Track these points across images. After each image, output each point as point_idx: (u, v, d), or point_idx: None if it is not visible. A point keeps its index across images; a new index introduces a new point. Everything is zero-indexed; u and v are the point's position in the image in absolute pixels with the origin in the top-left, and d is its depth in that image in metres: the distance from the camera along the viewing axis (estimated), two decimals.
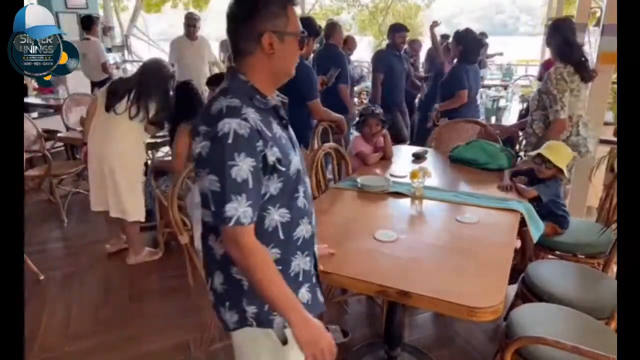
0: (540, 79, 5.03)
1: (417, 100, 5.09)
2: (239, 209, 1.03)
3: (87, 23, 5.48)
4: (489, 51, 7.57)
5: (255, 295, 1.13)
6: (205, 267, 1.28)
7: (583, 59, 2.70)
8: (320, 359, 1.12)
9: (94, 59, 5.37)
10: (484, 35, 7.84)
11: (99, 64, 5.41)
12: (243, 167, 1.03)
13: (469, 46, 3.79)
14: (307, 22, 3.00)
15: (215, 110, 1.06)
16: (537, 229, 2.19)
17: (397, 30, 4.57)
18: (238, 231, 1.05)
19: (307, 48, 3.00)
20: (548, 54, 4.54)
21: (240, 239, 1.06)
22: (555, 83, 2.67)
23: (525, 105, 4.43)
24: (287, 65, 1.18)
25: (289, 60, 1.17)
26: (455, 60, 3.96)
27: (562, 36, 2.70)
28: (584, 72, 2.68)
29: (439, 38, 5.13)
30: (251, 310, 1.17)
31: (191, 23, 5.06)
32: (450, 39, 4.17)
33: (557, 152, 2.34)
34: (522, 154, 2.92)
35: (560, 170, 2.33)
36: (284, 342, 1.19)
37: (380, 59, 4.66)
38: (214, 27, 10.25)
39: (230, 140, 1.02)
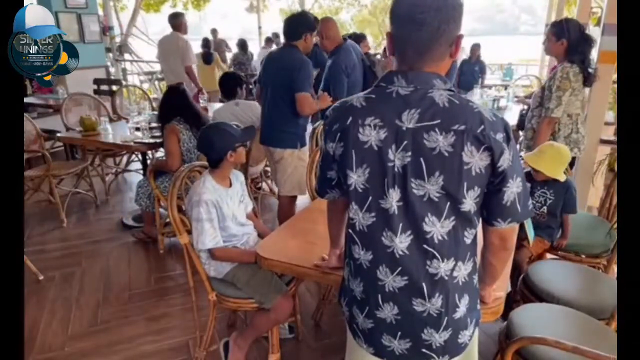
0: None
1: None
2: None
3: None
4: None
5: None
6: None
7: (589, 63, 2.68)
8: None
9: None
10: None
11: None
12: None
13: None
14: (302, 18, 2.98)
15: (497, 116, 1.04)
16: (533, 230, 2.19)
17: None
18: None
19: (305, 44, 2.94)
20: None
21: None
22: (559, 81, 2.65)
23: (524, 106, 4.43)
24: None
25: None
26: None
27: (577, 35, 2.65)
28: (587, 76, 2.68)
29: None
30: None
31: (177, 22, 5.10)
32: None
33: (541, 157, 2.20)
34: (522, 153, 2.92)
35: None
36: None
37: None
38: (213, 27, 10.22)
39: None
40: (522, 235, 2.18)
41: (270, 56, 3.14)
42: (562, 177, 2.20)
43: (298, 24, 2.92)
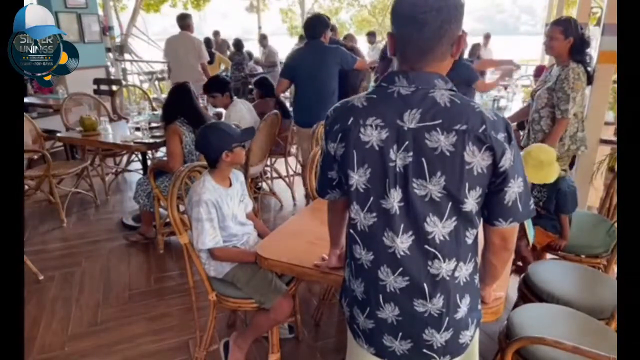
0: (536, 75, 5.10)
1: None
2: None
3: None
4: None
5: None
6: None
7: (591, 62, 2.73)
8: None
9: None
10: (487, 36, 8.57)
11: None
12: None
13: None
14: (320, 19, 3.54)
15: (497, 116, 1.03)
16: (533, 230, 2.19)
17: None
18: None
19: (325, 39, 3.50)
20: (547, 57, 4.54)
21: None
22: (572, 82, 2.66)
23: (525, 104, 4.42)
24: None
25: None
26: None
27: (580, 35, 2.67)
28: (590, 75, 2.72)
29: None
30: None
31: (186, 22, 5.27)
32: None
33: (525, 162, 2.15)
34: (523, 153, 2.91)
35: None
36: None
37: None
38: (213, 27, 10.23)
39: None
40: (520, 233, 2.20)
41: (302, 53, 3.62)
42: (551, 179, 2.17)
43: (317, 24, 3.50)
